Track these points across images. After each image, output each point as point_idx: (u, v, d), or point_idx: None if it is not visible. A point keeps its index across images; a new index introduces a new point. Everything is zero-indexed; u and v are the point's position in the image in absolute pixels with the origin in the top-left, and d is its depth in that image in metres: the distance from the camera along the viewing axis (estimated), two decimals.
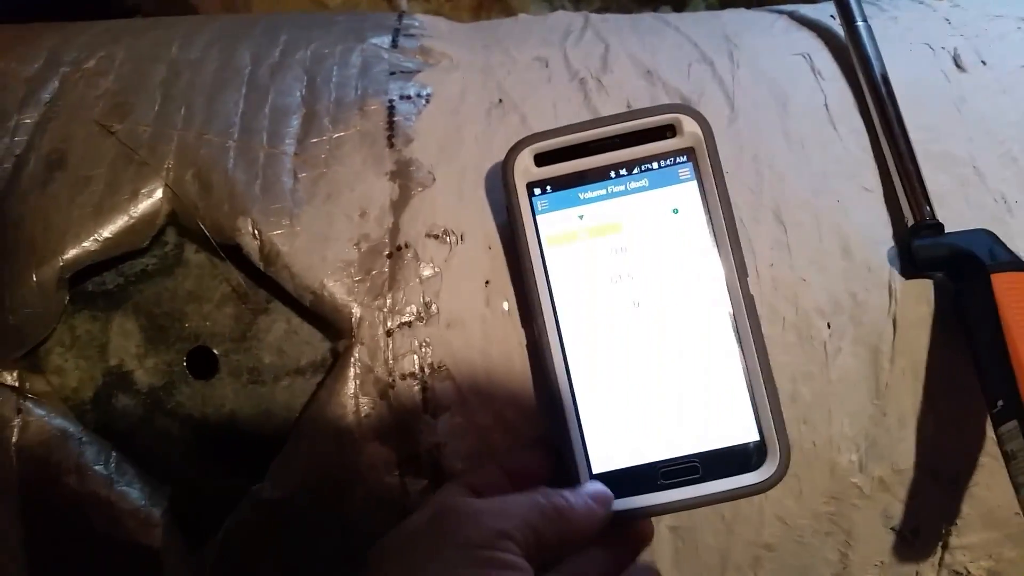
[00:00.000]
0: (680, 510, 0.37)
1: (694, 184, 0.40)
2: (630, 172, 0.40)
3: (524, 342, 0.40)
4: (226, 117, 0.45)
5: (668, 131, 0.40)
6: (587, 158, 0.40)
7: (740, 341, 0.38)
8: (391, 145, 0.44)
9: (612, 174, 0.40)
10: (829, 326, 0.41)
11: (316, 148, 0.44)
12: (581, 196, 0.40)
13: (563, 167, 0.40)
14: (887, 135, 0.43)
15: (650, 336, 0.39)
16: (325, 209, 0.42)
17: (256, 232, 0.41)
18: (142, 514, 0.41)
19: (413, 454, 0.41)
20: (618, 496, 0.37)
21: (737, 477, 0.37)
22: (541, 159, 0.40)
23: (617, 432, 0.38)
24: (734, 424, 0.38)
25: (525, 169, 0.40)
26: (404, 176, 0.43)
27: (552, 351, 0.39)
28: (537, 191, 0.40)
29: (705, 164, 0.39)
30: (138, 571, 0.41)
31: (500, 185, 0.41)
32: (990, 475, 0.42)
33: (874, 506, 0.42)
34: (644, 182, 0.40)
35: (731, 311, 0.38)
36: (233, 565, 0.41)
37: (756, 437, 0.37)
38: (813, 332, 0.41)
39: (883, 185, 0.44)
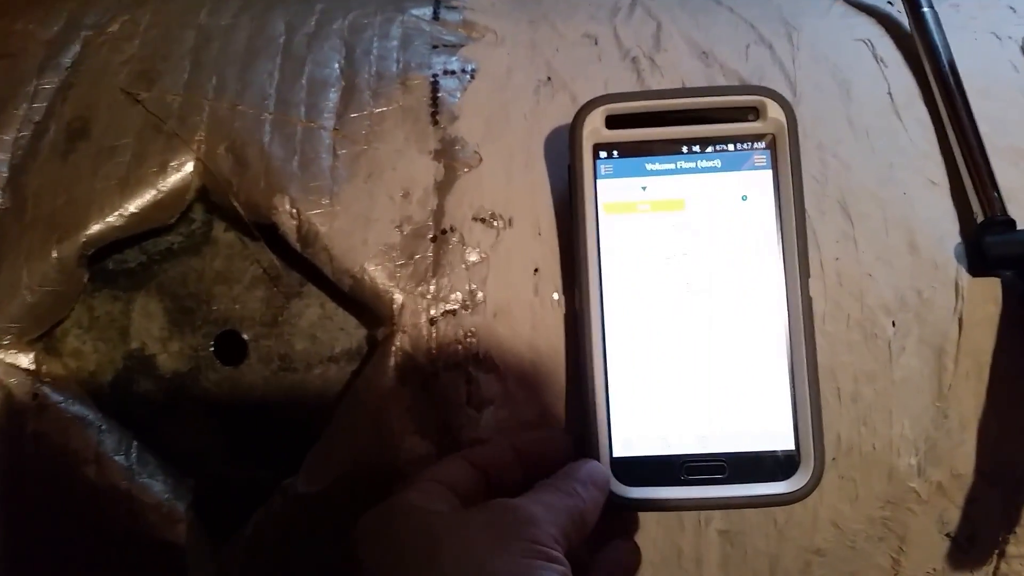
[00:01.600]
0: (698, 509, 0.37)
1: (769, 173, 0.38)
2: (703, 150, 0.38)
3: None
4: (261, 88, 0.42)
5: (751, 113, 0.38)
6: (660, 128, 0.38)
7: (791, 344, 0.36)
8: (435, 122, 0.41)
9: (684, 149, 0.38)
10: (894, 324, 0.39)
11: (356, 124, 0.41)
12: (648, 167, 0.38)
13: (634, 133, 0.38)
14: (955, 127, 0.41)
15: (696, 323, 0.37)
16: (366, 188, 0.40)
17: (294, 211, 0.39)
18: (165, 508, 0.39)
19: (454, 449, 0.38)
20: (636, 484, 0.36)
21: (764, 484, 0.36)
22: (613, 122, 0.38)
23: (645, 417, 0.37)
24: (770, 429, 0.36)
25: (595, 129, 0.38)
26: (449, 155, 0.41)
27: (591, 321, 0.37)
28: (603, 154, 0.38)
29: (784, 154, 0.37)
30: (161, 567, 0.39)
31: (560, 152, 0.39)
32: None
33: (930, 511, 0.41)
34: (716, 163, 0.38)
35: (786, 312, 0.37)
36: (262, 562, 0.39)
37: (791, 446, 0.36)
38: (878, 330, 0.39)
39: (950, 179, 0.42)
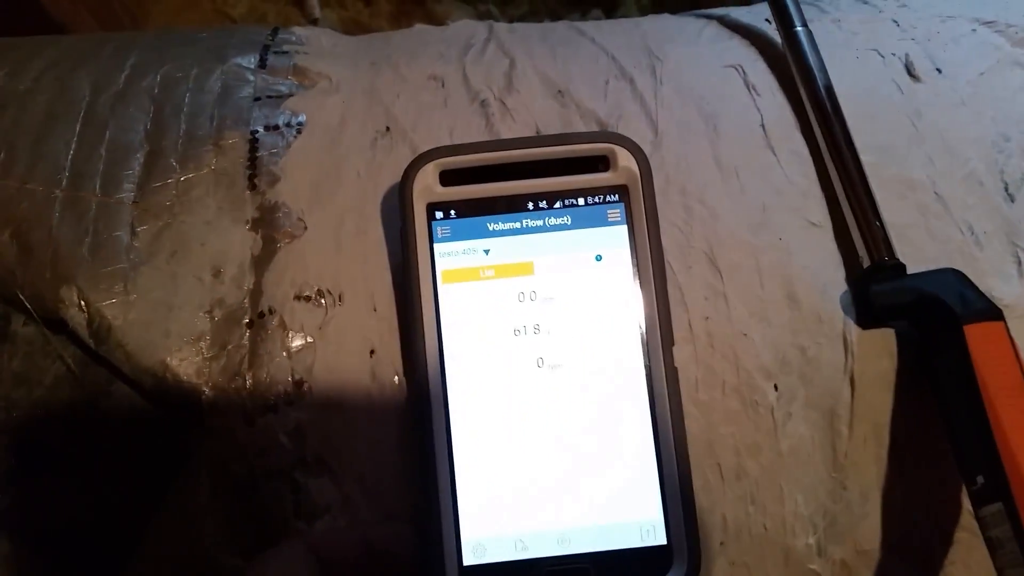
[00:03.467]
0: None
1: (624, 229, 0.34)
2: (551, 206, 0.34)
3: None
4: (55, 161, 0.37)
5: (600, 163, 0.34)
6: (502, 183, 0.34)
7: (656, 425, 0.32)
8: (253, 187, 0.37)
9: (529, 205, 0.34)
10: (776, 388, 0.35)
11: (160, 194, 0.36)
12: (490, 227, 0.34)
13: (473, 190, 0.34)
14: (835, 159, 0.37)
15: (551, 405, 0.33)
16: (169, 269, 0.35)
17: (83, 303, 0.34)
18: None
19: None
20: None
21: None
22: (448, 177, 0.34)
23: (499, 517, 0.32)
24: (637, 521, 0.32)
25: (427, 187, 0.34)
26: (268, 225, 0.36)
27: (432, 408, 0.32)
28: (439, 214, 0.34)
29: (639, 207, 0.34)
30: None
31: (396, 211, 0.34)
32: (967, 552, 0.36)
33: None
34: (566, 219, 0.34)
35: (649, 386, 0.33)
36: None
37: (662, 539, 0.32)
38: (758, 396, 0.35)
39: (832, 219, 0.38)
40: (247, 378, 0.34)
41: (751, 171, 0.38)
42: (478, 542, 0.32)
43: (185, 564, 0.33)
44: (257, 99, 0.39)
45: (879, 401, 0.35)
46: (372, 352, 0.35)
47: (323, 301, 0.35)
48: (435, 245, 0.33)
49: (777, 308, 0.36)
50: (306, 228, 0.36)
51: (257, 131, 0.38)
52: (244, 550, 0.33)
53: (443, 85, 0.41)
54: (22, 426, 0.35)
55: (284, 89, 0.40)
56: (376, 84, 0.41)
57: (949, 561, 0.36)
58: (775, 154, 0.38)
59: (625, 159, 0.34)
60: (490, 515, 0.32)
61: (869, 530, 0.36)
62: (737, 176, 0.38)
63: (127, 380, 0.34)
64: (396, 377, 0.35)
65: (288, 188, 0.37)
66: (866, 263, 0.36)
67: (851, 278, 0.36)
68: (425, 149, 0.34)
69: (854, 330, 0.36)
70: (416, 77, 0.41)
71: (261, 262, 0.35)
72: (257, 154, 0.37)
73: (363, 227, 0.36)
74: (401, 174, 0.34)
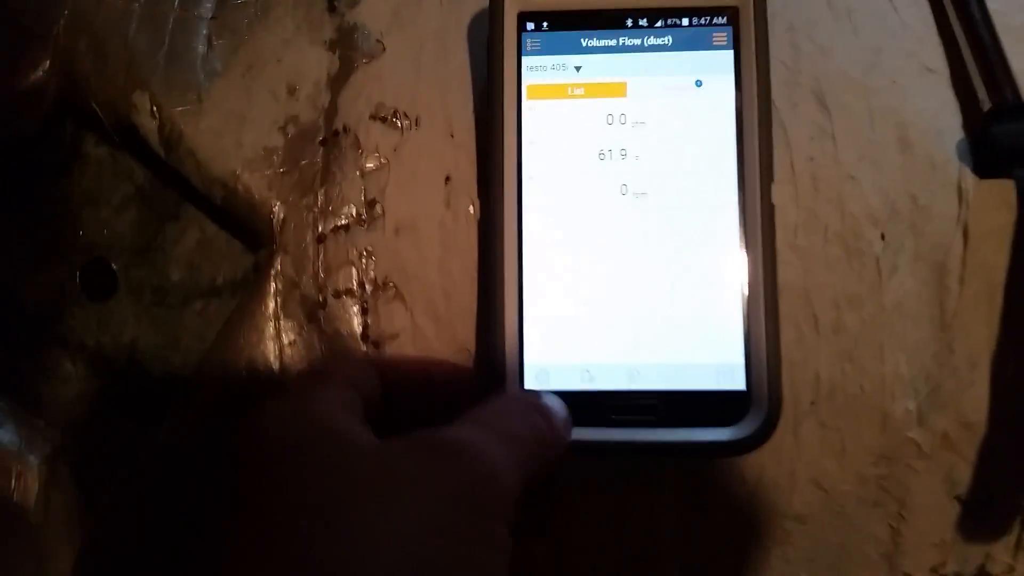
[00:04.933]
0: (627, 455, 0.30)
1: (729, 54, 0.31)
2: (651, 24, 0.31)
3: None
4: None
5: None
6: None
7: (746, 261, 0.30)
8: (332, 8, 0.35)
9: (628, 22, 0.31)
10: (883, 237, 0.32)
11: (239, 11, 0.35)
12: (583, 43, 0.31)
13: (569, 2, 0.31)
14: (957, 4, 0.34)
15: (632, 235, 0.30)
16: (244, 83, 0.33)
17: (155, 108, 0.33)
18: (14, 461, 0.32)
19: None
20: None
21: (704, 429, 0.29)
22: None
23: (566, 344, 0.30)
24: (715, 364, 0.30)
25: None
26: (346, 45, 0.34)
27: (504, 228, 0.30)
28: (530, 25, 0.31)
29: (748, 31, 0.31)
30: (10, 527, 0.33)
31: (484, 40, 0.32)
32: None
33: (936, 469, 0.33)
34: (667, 39, 0.31)
35: (742, 221, 0.30)
36: (126, 518, 0.32)
37: (740, 384, 0.29)
38: (863, 245, 0.32)
39: (950, 64, 0.34)
40: (319, 195, 0.32)
41: (864, 13, 0.35)
42: (541, 367, 0.30)
43: (248, 380, 0.32)
44: None
45: (994, 257, 0.32)
46: (447, 179, 0.33)
47: (399, 123, 0.33)
48: (523, 58, 0.31)
49: (888, 152, 0.33)
50: (385, 49, 0.34)
51: None
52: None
53: None
54: (88, 245, 0.34)
55: None
56: None
57: None
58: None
59: None
60: (557, 341, 0.30)
61: (975, 400, 0.33)
62: (849, 17, 0.35)
63: (196, 196, 0.33)
64: (471, 206, 0.33)
65: (368, 11, 0.35)
66: (987, 106, 0.32)
67: (969, 124, 0.33)
68: None
69: (970, 179, 0.33)
70: None
71: (337, 81, 0.34)
72: None
73: (444, 53, 0.34)
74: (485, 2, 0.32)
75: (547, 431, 0.25)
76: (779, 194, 0.31)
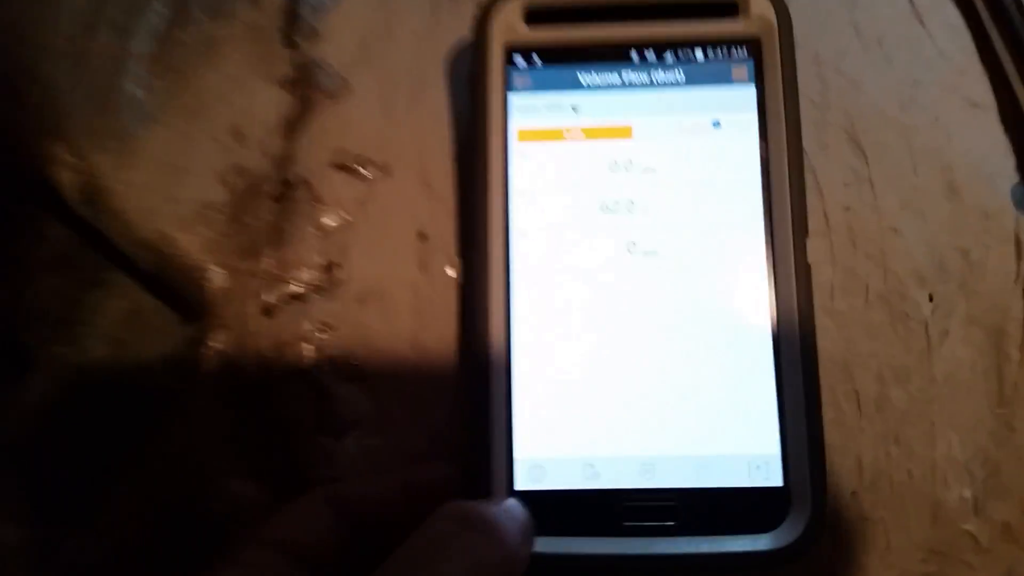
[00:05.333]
0: (644, 572, 0.25)
1: (751, 91, 0.27)
2: (659, 58, 0.27)
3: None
4: (58, 6, 0.31)
5: (728, 9, 0.27)
6: (601, 26, 0.27)
7: (779, 330, 0.25)
8: (290, 43, 0.30)
9: (633, 56, 0.27)
10: (931, 299, 0.28)
11: (182, 47, 0.30)
12: (582, 79, 0.27)
13: (564, 33, 0.27)
14: (1000, 28, 0.30)
15: (643, 302, 0.26)
16: (183, 128, 0.29)
17: (74, 161, 0.27)
18: None
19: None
20: (549, 532, 0.24)
21: (735, 538, 0.24)
22: (535, 16, 0.27)
23: (565, 435, 0.25)
24: (746, 455, 0.25)
25: (509, 25, 0.27)
26: (305, 82, 0.30)
27: (490, 292, 0.25)
28: (519, 60, 0.27)
29: (774, 64, 0.27)
30: None
31: (465, 75, 0.28)
32: None
33: (994, 565, 0.29)
34: (678, 75, 0.27)
35: (772, 283, 0.26)
36: None
37: (777, 480, 0.25)
38: (908, 307, 0.28)
39: (996, 98, 0.31)
40: (267, 258, 0.27)
41: (896, 41, 0.31)
42: (535, 462, 0.25)
43: (181, 487, 0.27)
44: None
45: None
46: (422, 236, 0.28)
47: (366, 172, 0.29)
48: (511, 96, 0.27)
49: (934, 200, 0.29)
50: (350, 88, 0.30)
51: None
52: (256, 471, 0.27)
53: None
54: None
55: None
56: None
57: None
58: (923, 24, 0.31)
59: (760, 6, 0.27)
60: (554, 431, 0.25)
61: None
62: (880, 45, 0.31)
63: (123, 260, 0.28)
64: (450, 269, 0.28)
65: (331, 43, 0.31)
66: None
67: None
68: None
69: None
70: None
71: (294, 124, 0.29)
72: (297, 8, 0.31)
73: (419, 92, 0.30)
74: (469, 32, 0.28)
75: (493, 555, 0.20)
76: (812, 250, 0.26)
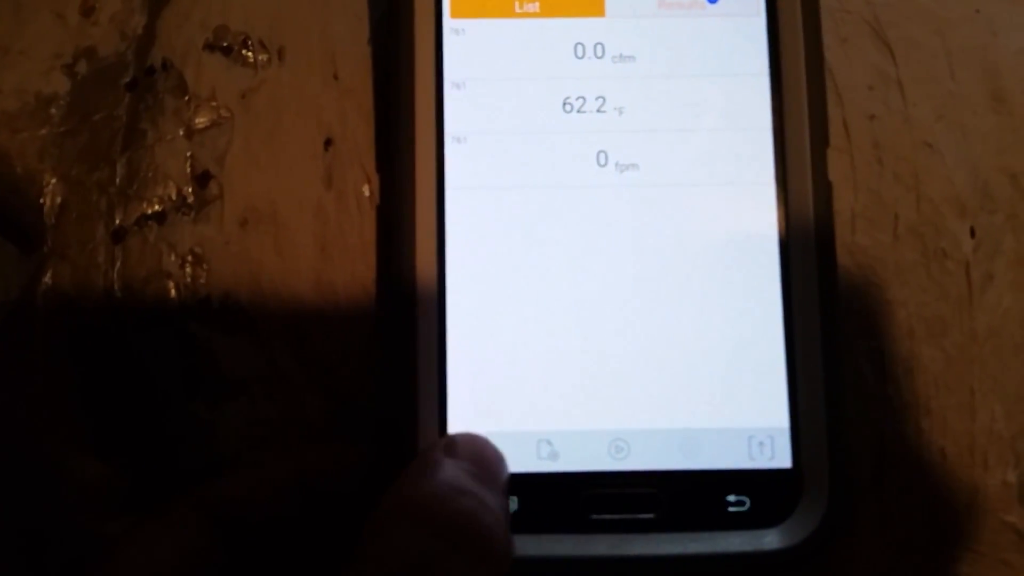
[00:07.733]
0: (621, 573, 0.21)
1: None
2: None
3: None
4: None
5: None
6: None
7: (794, 272, 0.21)
8: None
9: None
10: (973, 233, 0.24)
11: None
12: None
13: None
14: None
15: (615, 231, 0.21)
16: (13, 1, 0.22)
17: None
18: None
19: (161, 478, 0.21)
20: None
21: (731, 533, 0.20)
22: None
23: (512, 404, 0.21)
24: (746, 429, 0.21)
25: None
26: None
27: (418, 220, 0.21)
28: None
29: None
30: None
31: None
32: None
33: None
34: None
35: (784, 210, 0.21)
36: None
37: (785, 461, 0.21)
38: (946, 243, 0.24)
39: None
40: (120, 165, 0.21)
41: None
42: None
43: (11, 467, 0.21)
44: None
45: None
46: (328, 143, 0.23)
47: (251, 56, 0.23)
48: None
49: (976, 110, 0.25)
50: None
51: None
52: (102, 451, 0.20)
53: None
54: None
55: None
56: None
57: None
58: None
59: None
60: (499, 399, 0.21)
61: None
62: None
63: None
64: (366, 186, 0.23)
65: None
66: None
67: None
68: None
69: None
70: None
71: None
72: None
73: None
74: None
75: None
76: (831, 167, 0.22)
